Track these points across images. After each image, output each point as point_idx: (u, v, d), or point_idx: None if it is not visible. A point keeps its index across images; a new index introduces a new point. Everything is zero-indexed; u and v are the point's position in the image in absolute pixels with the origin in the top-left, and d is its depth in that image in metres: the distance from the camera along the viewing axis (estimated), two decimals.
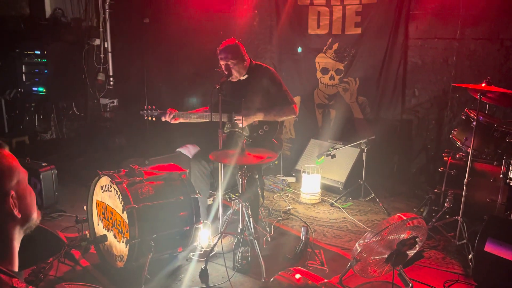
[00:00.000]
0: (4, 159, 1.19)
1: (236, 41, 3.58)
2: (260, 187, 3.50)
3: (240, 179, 3.02)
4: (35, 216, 1.26)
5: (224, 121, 3.50)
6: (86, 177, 3.24)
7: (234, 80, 3.58)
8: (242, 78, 3.61)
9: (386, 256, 2.64)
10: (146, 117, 3.56)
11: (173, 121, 3.56)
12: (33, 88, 5.84)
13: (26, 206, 1.22)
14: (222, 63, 3.51)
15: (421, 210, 3.97)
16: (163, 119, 3.55)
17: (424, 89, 4.69)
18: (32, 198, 1.25)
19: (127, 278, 2.92)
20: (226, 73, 3.45)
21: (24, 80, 5.88)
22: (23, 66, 5.87)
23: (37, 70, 5.79)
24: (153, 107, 3.55)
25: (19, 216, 1.19)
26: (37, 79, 5.80)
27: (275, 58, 5.47)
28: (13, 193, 1.17)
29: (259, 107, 3.50)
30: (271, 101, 3.55)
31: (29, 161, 4.13)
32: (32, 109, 6.06)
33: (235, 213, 3.13)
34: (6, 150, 1.22)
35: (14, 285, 1.11)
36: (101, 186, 3.06)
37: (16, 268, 1.19)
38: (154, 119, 3.56)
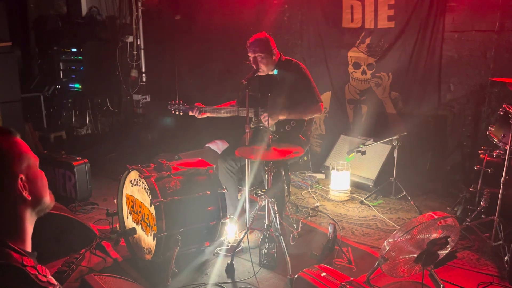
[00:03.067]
0: (14, 144, 1.25)
1: (267, 35, 3.57)
2: (286, 183, 3.48)
3: (266, 175, 3.01)
4: (47, 199, 1.31)
5: (250, 116, 3.50)
6: (118, 171, 3.31)
7: (262, 74, 3.57)
8: (270, 72, 3.59)
9: (416, 255, 2.57)
10: (173, 112, 3.61)
11: (199, 116, 3.58)
12: (70, 85, 6.04)
13: (37, 189, 1.27)
14: (250, 55, 3.51)
15: (455, 209, 3.83)
16: (190, 113, 3.58)
17: (460, 83, 4.52)
18: (43, 183, 1.31)
19: (155, 271, 2.98)
20: (254, 66, 3.45)
21: (61, 77, 6.08)
22: (61, 63, 6.07)
23: (73, 67, 5.99)
24: (181, 101, 3.59)
25: (29, 199, 1.24)
26: (73, 76, 5.99)
27: (305, 53, 5.41)
28: (22, 176, 1.23)
29: (285, 104, 3.47)
30: (298, 97, 3.51)
31: (64, 155, 4.27)
32: (69, 105, 6.26)
33: (262, 209, 3.12)
34: (18, 138, 1.27)
35: (24, 262, 1.16)
36: (130, 180, 3.12)
37: (28, 248, 1.24)
38: (181, 113, 3.61)
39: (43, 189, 1.30)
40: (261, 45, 3.49)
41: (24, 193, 1.23)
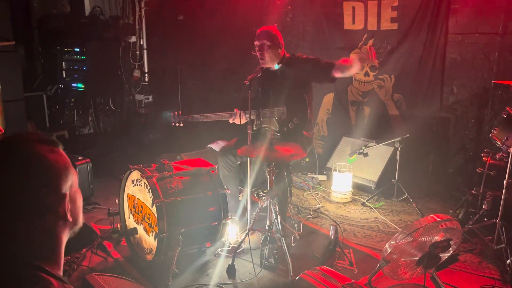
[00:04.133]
0: (61, 157, 1.10)
1: (276, 29, 3.58)
2: (288, 184, 3.47)
3: (268, 176, 3.00)
4: (81, 220, 1.18)
5: (252, 118, 3.48)
6: (120, 171, 3.31)
7: (264, 65, 3.54)
8: (274, 67, 3.58)
9: (417, 258, 2.56)
10: (173, 124, 3.54)
11: (241, 121, 3.49)
12: (72, 84, 6.04)
13: (77, 210, 1.14)
14: (257, 43, 3.50)
15: (457, 212, 3.82)
16: (231, 121, 3.51)
17: (463, 86, 4.51)
18: (81, 201, 1.18)
19: (156, 271, 2.97)
20: (258, 54, 3.46)
21: (64, 76, 6.09)
22: (63, 63, 6.07)
23: (76, 67, 5.99)
24: (180, 113, 3.54)
25: (71, 220, 1.11)
26: (76, 76, 5.99)
27: (307, 54, 5.39)
28: (68, 195, 1.09)
29: (286, 101, 3.45)
30: (311, 79, 3.52)
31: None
32: (71, 104, 6.27)
33: (263, 210, 3.12)
34: (61, 149, 1.13)
35: None
36: (132, 180, 3.12)
37: (61, 273, 1.13)
38: (181, 124, 3.54)
39: (81, 209, 1.17)
40: (269, 34, 3.49)
41: (68, 214, 1.09)
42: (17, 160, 1.04)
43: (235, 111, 3.49)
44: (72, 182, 1.11)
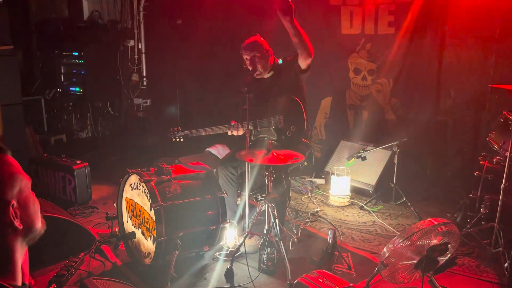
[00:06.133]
0: (5, 165, 1.10)
1: (261, 37, 3.59)
2: (287, 188, 3.47)
3: (266, 180, 3.01)
4: (39, 226, 1.16)
5: (250, 129, 3.49)
6: (118, 175, 3.31)
7: (259, 76, 3.56)
8: (266, 76, 3.59)
9: (415, 261, 2.57)
10: (173, 139, 3.58)
11: (241, 132, 3.50)
12: (71, 88, 6.04)
13: (28, 216, 1.13)
14: (247, 57, 3.52)
15: (455, 215, 3.83)
16: (229, 133, 3.55)
17: (460, 90, 4.52)
18: (35, 207, 1.16)
19: (154, 275, 2.97)
20: (251, 68, 3.46)
21: (62, 80, 6.09)
22: (62, 67, 6.08)
23: (74, 71, 5.99)
24: (179, 128, 3.58)
25: (21, 227, 1.09)
26: (74, 80, 5.99)
27: None
28: (13, 202, 1.08)
29: (285, 105, 3.45)
30: (301, 78, 3.51)
31: (64, 158, 4.27)
32: (69, 108, 6.28)
33: (262, 213, 3.12)
34: (9, 155, 1.13)
35: None
36: (130, 184, 3.12)
37: (19, 283, 1.11)
38: (181, 139, 3.59)
39: (36, 215, 1.15)
40: (257, 45, 3.51)
41: (15, 222, 1.07)
42: None
43: (232, 123, 3.51)
44: (20, 188, 1.10)
